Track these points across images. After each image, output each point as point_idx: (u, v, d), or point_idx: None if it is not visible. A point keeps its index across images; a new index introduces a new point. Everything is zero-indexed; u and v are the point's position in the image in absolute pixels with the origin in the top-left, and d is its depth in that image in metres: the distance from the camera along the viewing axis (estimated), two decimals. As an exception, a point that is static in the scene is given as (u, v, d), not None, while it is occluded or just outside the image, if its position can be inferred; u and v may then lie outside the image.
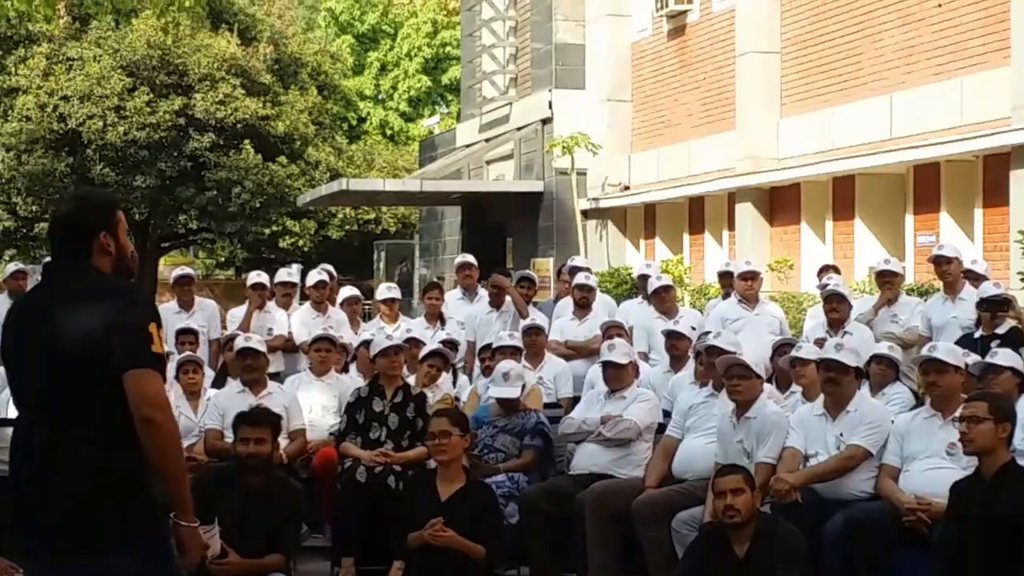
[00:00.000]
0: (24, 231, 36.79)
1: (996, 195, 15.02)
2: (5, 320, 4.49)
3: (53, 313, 4.25)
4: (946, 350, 7.49)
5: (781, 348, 9.44)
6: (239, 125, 32.44)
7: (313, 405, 9.93)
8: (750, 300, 11.49)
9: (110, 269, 4.36)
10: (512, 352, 9.84)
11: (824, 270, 12.34)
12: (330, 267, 13.14)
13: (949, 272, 10.37)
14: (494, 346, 10.16)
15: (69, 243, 4.37)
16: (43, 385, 4.21)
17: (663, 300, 11.51)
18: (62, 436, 4.16)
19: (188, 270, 13.15)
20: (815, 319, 11.18)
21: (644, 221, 23.52)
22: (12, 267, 13.48)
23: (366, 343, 10.77)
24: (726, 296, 12.33)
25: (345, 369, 10.87)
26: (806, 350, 8.57)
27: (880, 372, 8.53)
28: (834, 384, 7.54)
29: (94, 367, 4.13)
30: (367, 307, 13.57)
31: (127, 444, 4.16)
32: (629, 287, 17.65)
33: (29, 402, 4.29)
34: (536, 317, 11.34)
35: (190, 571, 4.39)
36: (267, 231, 33.92)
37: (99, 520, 4.11)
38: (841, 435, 7.43)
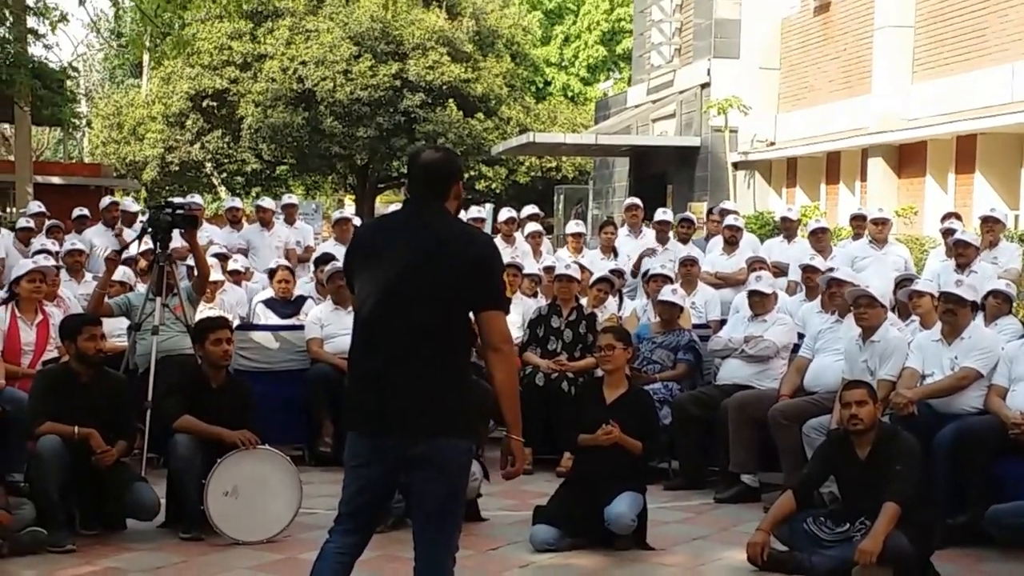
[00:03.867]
0: (267, 172, 37.80)
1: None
2: (370, 232, 4.53)
3: (431, 234, 4.22)
4: (1054, 287, 7.23)
5: (902, 283, 9.19)
6: (444, 87, 32.71)
7: (501, 321, 9.94)
8: (879, 242, 11.22)
9: (454, 212, 4.40)
10: (664, 280, 9.77)
11: (947, 216, 11.96)
12: (536, 209, 13.23)
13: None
14: (649, 275, 10.13)
15: (435, 186, 4.32)
16: (408, 292, 4.17)
17: (819, 240, 11.23)
18: (421, 336, 4.14)
19: (348, 213, 13.32)
20: (937, 258, 10.87)
21: (787, 173, 23.18)
22: (259, 201, 13.84)
23: (548, 268, 10.83)
24: (856, 237, 12.02)
25: (535, 295, 10.80)
26: (922, 284, 8.41)
27: (996, 305, 8.22)
28: (952, 315, 7.33)
29: (456, 290, 4.15)
30: (549, 239, 13.65)
31: (466, 352, 4.25)
32: (771, 228, 17.37)
33: (389, 304, 4.20)
34: (691, 251, 11.25)
35: (509, 477, 4.39)
36: (466, 175, 34.11)
37: (451, 408, 4.16)
38: (956, 358, 7.22)
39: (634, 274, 11.64)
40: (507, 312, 4.29)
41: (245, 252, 12.46)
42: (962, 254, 9.79)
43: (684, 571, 6.32)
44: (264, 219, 13.03)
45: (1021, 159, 16.62)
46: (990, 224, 10.47)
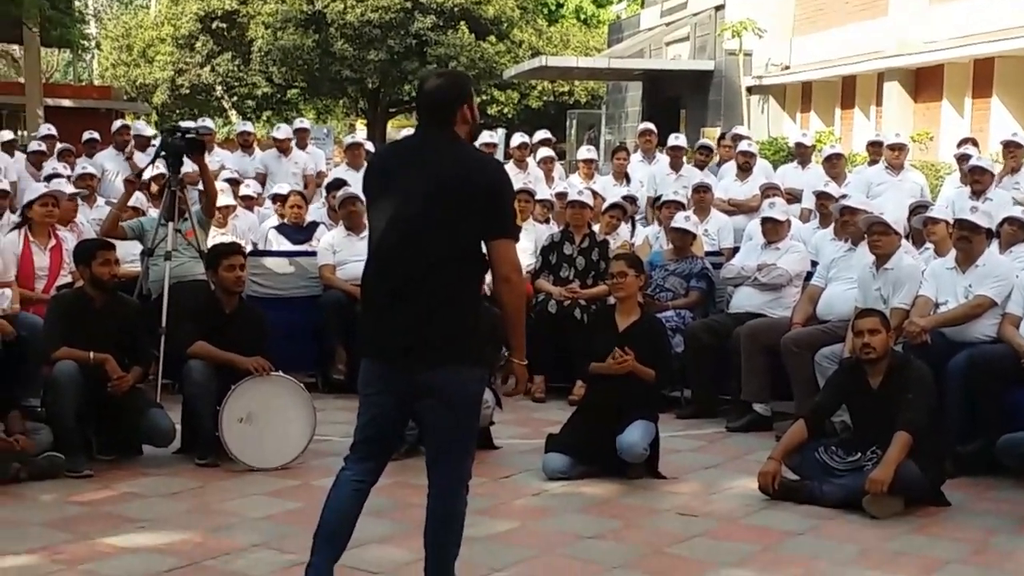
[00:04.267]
0: (278, 96, 37.58)
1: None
2: (382, 158, 4.73)
3: (440, 161, 4.19)
4: (1070, 215, 7.16)
5: (917, 210, 9.12)
6: (456, 9, 32.38)
7: (512, 248, 9.88)
8: (896, 168, 11.14)
9: (466, 136, 4.35)
10: (676, 206, 9.75)
11: (963, 142, 11.84)
12: (548, 134, 13.10)
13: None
14: (661, 201, 10.10)
15: (438, 112, 4.29)
16: (421, 218, 4.13)
17: (834, 166, 11.14)
18: (432, 264, 4.11)
19: (359, 138, 13.15)
20: (952, 184, 10.79)
21: (801, 97, 22.97)
22: (274, 133, 13.64)
23: (560, 194, 10.78)
24: (872, 163, 11.93)
25: (547, 221, 10.72)
26: (937, 211, 8.30)
27: (1011, 232, 8.13)
28: (966, 242, 7.27)
29: (467, 218, 4.11)
30: (561, 165, 13.57)
31: (477, 281, 4.24)
32: (785, 154, 17.26)
33: (401, 232, 4.17)
34: (705, 178, 11.19)
35: (510, 394, 4.60)
36: (477, 100, 33.82)
37: (462, 337, 4.15)
38: (970, 286, 7.18)
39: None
40: (517, 240, 4.26)
41: (263, 178, 12.38)
42: (978, 181, 9.71)
43: (696, 499, 6.35)
44: (282, 147, 12.89)
45: (1039, 83, 16.45)
46: (1012, 149, 10.37)
